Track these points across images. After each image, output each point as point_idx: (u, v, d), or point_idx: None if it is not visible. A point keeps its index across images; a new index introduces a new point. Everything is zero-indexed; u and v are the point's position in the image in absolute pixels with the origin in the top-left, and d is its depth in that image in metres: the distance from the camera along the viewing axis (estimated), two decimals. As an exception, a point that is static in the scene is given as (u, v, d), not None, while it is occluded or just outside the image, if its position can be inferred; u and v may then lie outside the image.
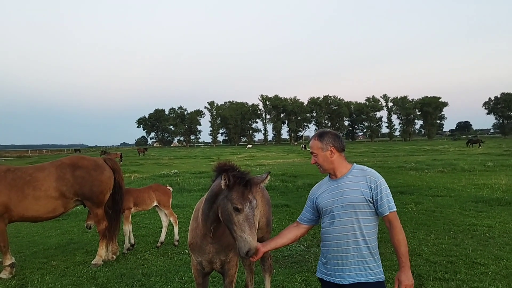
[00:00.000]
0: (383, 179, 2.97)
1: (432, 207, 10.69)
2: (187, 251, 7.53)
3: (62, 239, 9.06)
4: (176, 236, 8.08)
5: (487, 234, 7.72)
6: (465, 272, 5.70)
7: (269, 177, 3.24)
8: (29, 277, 6.40)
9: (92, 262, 6.94)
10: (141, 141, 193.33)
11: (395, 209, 2.95)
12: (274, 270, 5.94)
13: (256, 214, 3.01)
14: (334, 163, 3.01)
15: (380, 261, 2.97)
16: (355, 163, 3.11)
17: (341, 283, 2.90)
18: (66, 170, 6.82)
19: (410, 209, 10.48)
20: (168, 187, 8.56)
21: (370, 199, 2.89)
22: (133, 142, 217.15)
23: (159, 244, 7.97)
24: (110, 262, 7.04)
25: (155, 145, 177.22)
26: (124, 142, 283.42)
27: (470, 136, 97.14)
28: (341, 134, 3.18)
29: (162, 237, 8.10)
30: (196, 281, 3.85)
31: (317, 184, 3.25)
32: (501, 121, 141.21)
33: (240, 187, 3.01)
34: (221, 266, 3.63)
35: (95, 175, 7.00)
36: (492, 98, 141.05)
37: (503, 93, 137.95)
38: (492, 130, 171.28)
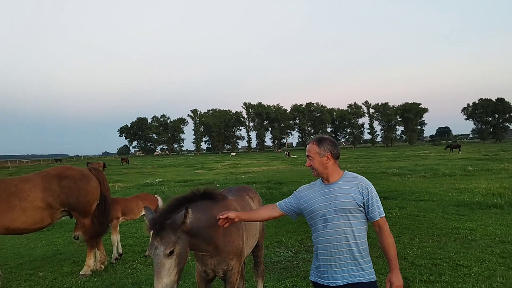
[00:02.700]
0: (373, 186, 3.12)
1: (415, 211, 10.91)
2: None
3: (48, 250, 8.96)
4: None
5: (469, 237, 7.93)
6: (449, 274, 5.86)
7: (189, 212, 3.02)
8: (17, 289, 6.34)
9: (80, 273, 6.90)
10: (123, 150, 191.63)
11: (384, 215, 3.10)
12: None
13: (177, 254, 2.92)
14: (328, 168, 3.11)
15: (371, 263, 3.09)
16: (346, 170, 3.23)
17: (334, 285, 2.99)
18: (52, 180, 6.76)
19: (394, 213, 10.68)
20: (156, 196, 8.56)
21: (361, 204, 3.03)
22: (115, 151, 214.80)
23: (147, 253, 7.96)
24: (99, 272, 7.01)
25: (137, 154, 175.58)
26: (106, 151, 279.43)
27: (450, 141, 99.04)
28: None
29: (150, 246, 8.07)
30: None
31: (308, 185, 3.33)
32: (479, 127, 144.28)
33: (154, 232, 2.96)
34: (223, 274, 3.69)
35: (81, 185, 6.96)
36: (471, 104, 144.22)
37: (481, 99, 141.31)
38: (471, 135, 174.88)
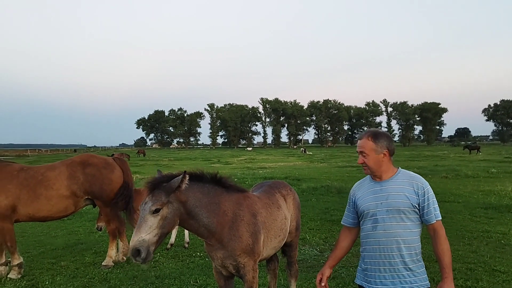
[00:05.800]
0: (429, 186, 2.85)
1: (441, 212, 10.49)
2: (198, 253, 7.42)
3: (69, 239, 8.94)
4: (187, 238, 7.97)
5: (502, 241, 7.62)
6: (487, 280, 5.58)
7: (186, 177, 3.15)
8: (39, 277, 6.27)
9: (102, 263, 6.82)
10: (140, 142, 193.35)
11: (441, 218, 2.85)
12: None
13: (163, 216, 3.01)
14: (383, 166, 2.88)
15: (424, 268, 2.85)
16: (400, 167, 2.99)
17: None
18: (76, 168, 6.73)
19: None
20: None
21: (416, 205, 2.78)
22: (132, 143, 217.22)
23: (169, 246, 7.85)
24: (121, 264, 6.93)
25: (154, 146, 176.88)
26: (123, 143, 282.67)
27: (469, 142, 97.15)
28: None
29: (172, 238, 7.97)
30: (218, 284, 3.84)
31: (357, 183, 3.12)
32: (500, 128, 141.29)
33: (149, 191, 3.11)
34: (235, 270, 3.55)
35: (105, 173, 6.91)
36: (492, 105, 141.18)
37: (502, 100, 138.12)
38: (491, 137, 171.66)
